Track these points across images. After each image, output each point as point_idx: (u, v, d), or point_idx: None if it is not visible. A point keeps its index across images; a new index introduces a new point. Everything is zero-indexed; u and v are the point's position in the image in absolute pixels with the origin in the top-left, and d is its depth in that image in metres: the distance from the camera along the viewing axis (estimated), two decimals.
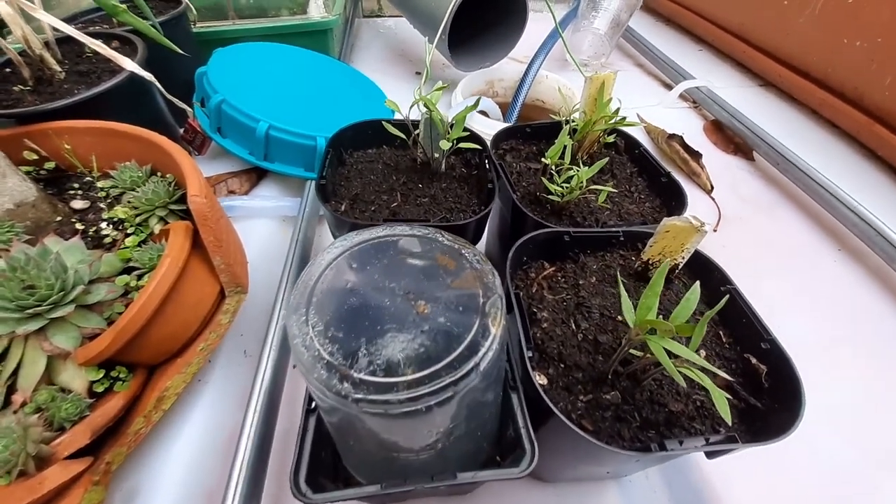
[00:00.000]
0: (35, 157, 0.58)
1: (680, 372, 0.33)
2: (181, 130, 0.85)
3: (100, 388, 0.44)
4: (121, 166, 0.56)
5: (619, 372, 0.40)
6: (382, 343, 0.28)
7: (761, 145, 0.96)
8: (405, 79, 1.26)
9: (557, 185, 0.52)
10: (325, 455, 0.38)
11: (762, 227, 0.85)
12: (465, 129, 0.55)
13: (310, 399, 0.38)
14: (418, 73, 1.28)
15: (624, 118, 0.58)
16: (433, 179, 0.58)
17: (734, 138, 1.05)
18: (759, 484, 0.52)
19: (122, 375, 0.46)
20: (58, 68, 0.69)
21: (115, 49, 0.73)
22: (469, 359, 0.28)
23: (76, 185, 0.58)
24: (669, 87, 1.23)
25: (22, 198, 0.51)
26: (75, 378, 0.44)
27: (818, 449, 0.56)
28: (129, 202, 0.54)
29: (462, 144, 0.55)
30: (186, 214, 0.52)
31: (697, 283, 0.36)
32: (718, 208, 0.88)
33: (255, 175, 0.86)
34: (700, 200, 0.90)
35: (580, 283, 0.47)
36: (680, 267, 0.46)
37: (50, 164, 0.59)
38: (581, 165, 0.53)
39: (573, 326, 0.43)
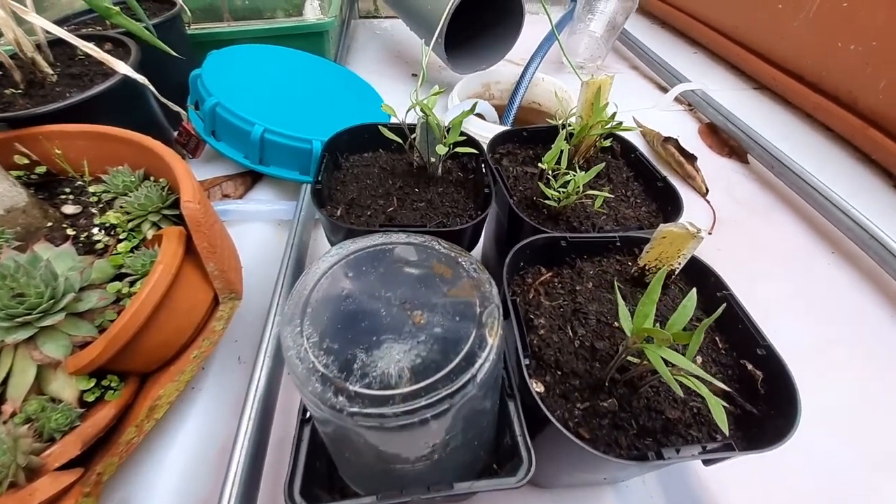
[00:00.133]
0: (26, 161, 0.57)
1: (676, 380, 0.33)
2: (175, 134, 0.84)
3: (91, 398, 0.44)
4: (113, 171, 0.55)
5: (617, 379, 0.39)
6: (378, 354, 0.28)
7: (756, 148, 0.97)
8: (401, 81, 1.26)
9: (554, 189, 0.52)
10: (320, 465, 0.38)
11: (757, 230, 0.86)
12: (462, 134, 0.55)
13: (305, 408, 0.37)
14: (415, 75, 1.28)
15: (620, 123, 0.58)
16: (430, 184, 0.58)
17: (729, 141, 1.05)
18: (756, 488, 0.52)
19: (113, 384, 0.45)
20: (50, 71, 0.68)
21: (108, 52, 0.73)
22: (466, 370, 0.27)
23: (67, 190, 0.57)
24: (665, 90, 1.23)
25: (12, 203, 0.50)
26: (66, 387, 0.43)
27: (814, 452, 0.56)
28: (121, 207, 0.54)
29: (459, 149, 0.55)
30: (180, 219, 0.52)
31: (694, 290, 0.36)
32: (714, 211, 0.89)
33: (250, 179, 0.85)
34: (695, 203, 0.90)
35: (577, 288, 0.47)
36: (676, 272, 0.46)
37: (41, 169, 0.58)
38: (577, 170, 0.53)
39: (570, 333, 0.43)
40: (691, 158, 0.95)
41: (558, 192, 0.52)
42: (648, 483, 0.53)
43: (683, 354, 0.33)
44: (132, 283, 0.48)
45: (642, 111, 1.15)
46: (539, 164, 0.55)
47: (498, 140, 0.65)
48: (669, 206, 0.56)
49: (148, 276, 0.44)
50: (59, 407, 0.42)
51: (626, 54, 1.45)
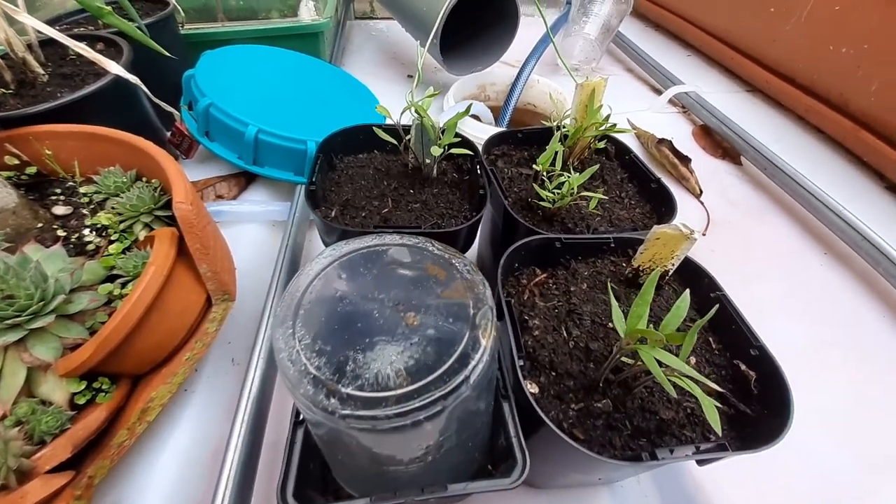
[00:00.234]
0: (16, 162, 0.56)
1: (670, 380, 0.33)
2: (168, 134, 0.84)
3: (81, 400, 0.43)
4: (104, 171, 0.55)
5: (611, 380, 0.39)
6: (371, 356, 0.28)
7: (749, 150, 0.98)
8: (397, 82, 1.25)
9: (549, 191, 0.52)
10: (313, 467, 0.38)
11: (750, 231, 0.86)
12: (457, 135, 0.55)
13: (298, 410, 0.37)
14: (410, 77, 1.28)
15: (614, 125, 0.58)
16: (424, 185, 0.58)
17: (722, 143, 1.06)
18: (751, 489, 0.53)
19: (104, 387, 0.45)
20: (41, 71, 0.68)
21: (100, 51, 0.72)
22: (459, 371, 0.27)
23: (58, 191, 0.57)
24: (659, 92, 1.24)
25: (2, 204, 0.50)
26: (56, 390, 0.43)
27: (808, 452, 0.56)
28: (113, 208, 0.53)
29: (454, 150, 0.55)
30: (172, 220, 0.51)
31: (687, 291, 0.36)
32: (707, 212, 0.89)
33: (244, 179, 0.85)
34: (689, 204, 0.91)
35: (571, 289, 0.47)
36: (670, 273, 0.46)
37: (31, 169, 0.57)
38: (572, 171, 0.53)
39: (565, 334, 0.43)
40: (685, 160, 0.96)
41: (553, 193, 0.52)
42: (643, 483, 0.53)
43: (677, 355, 0.33)
44: (124, 285, 0.47)
45: (637, 113, 1.15)
46: (534, 166, 0.55)
47: (493, 141, 0.65)
48: (663, 208, 0.56)
49: (139, 277, 0.44)
50: (49, 409, 0.41)
51: (621, 57, 1.46)
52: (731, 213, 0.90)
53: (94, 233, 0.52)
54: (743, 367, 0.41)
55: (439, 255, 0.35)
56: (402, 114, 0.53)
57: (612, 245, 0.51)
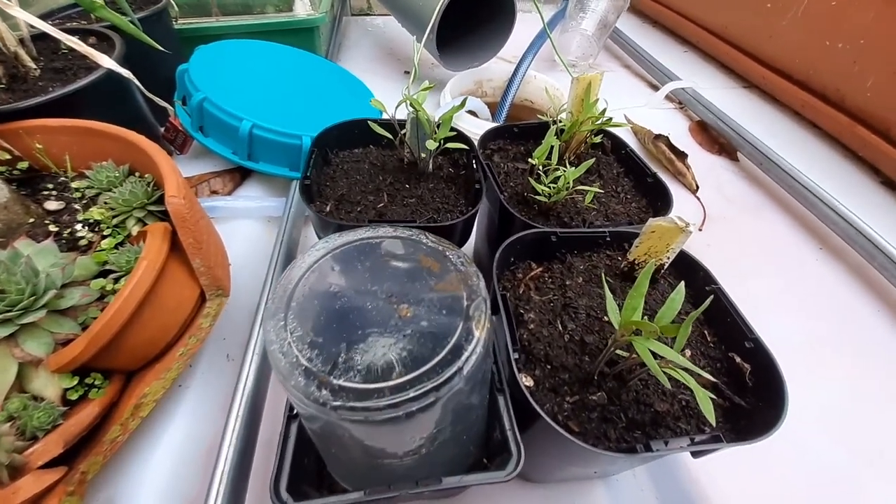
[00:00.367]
0: (7, 156, 0.56)
1: (665, 372, 0.33)
2: (162, 129, 0.83)
3: (74, 396, 0.43)
4: (97, 166, 0.54)
5: (606, 372, 0.39)
6: (363, 348, 0.27)
7: (745, 146, 0.98)
8: (394, 78, 1.25)
9: (545, 185, 0.52)
10: (308, 462, 0.38)
11: (746, 227, 0.87)
12: (453, 129, 0.55)
13: (291, 405, 0.37)
14: (407, 73, 1.27)
15: (610, 119, 0.58)
16: (420, 180, 0.57)
17: (719, 139, 1.06)
18: (746, 481, 0.53)
19: (97, 382, 0.44)
20: (32, 65, 0.67)
21: (93, 45, 0.71)
22: (452, 363, 0.27)
23: (50, 186, 0.56)
24: (656, 88, 1.24)
25: None
26: (48, 385, 0.42)
27: (802, 445, 0.56)
28: (105, 203, 0.53)
29: (449, 144, 0.55)
30: (166, 216, 0.51)
31: (682, 283, 0.36)
32: (704, 208, 0.89)
33: (239, 175, 0.84)
34: (686, 200, 0.91)
35: (567, 283, 0.47)
36: (665, 267, 0.46)
37: (23, 164, 0.57)
38: (568, 166, 0.53)
39: (560, 327, 0.43)
40: (682, 156, 0.96)
41: (549, 187, 0.52)
42: (639, 476, 0.53)
43: (671, 347, 0.33)
44: (116, 280, 0.47)
45: (634, 109, 1.15)
46: (530, 160, 0.55)
47: (489, 136, 0.65)
48: (659, 202, 0.56)
49: (132, 272, 0.43)
50: (41, 405, 0.41)
51: (618, 52, 1.46)
52: (727, 208, 0.90)
53: (86, 228, 0.52)
54: (738, 359, 0.41)
55: (433, 247, 0.35)
56: (396, 108, 0.53)
57: (608, 239, 0.51)
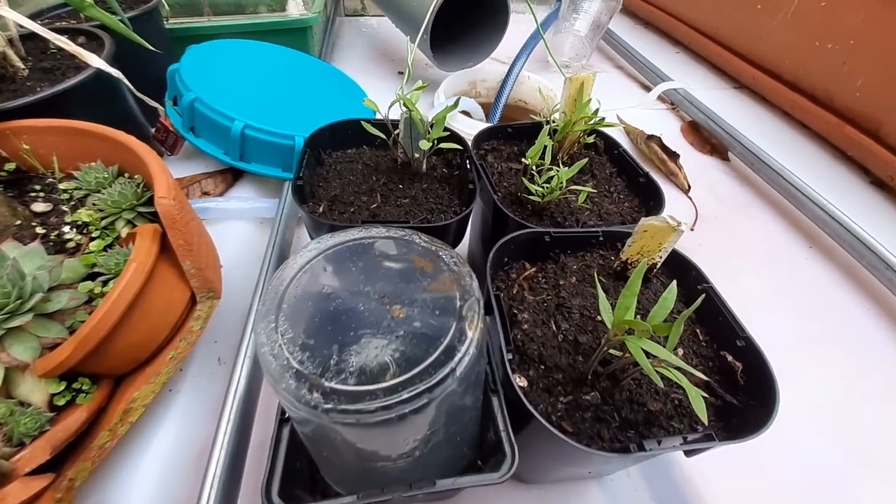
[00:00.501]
0: None
1: (657, 371, 0.33)
2: (153, 130, 0.82)
3: (61, 401, 0.42)
4: (85, 167, 0.54)
5: (599, 372, 0.39)
6: (356, 349, 0.27)
7: (736, 146, 0.98)
8: (388, 78, 1.25)
9: (538, 185, 0.52)
10: (300, 466, 0.37)
11: (738, 226, 0.87)
12: (446, 129, 0.55)
13: (283, 408, 0.36)
14: (401, 73, 1.27)
15: (603, 119, 0.58)
16: (414, 180, 0.57)
17: (710, 139, 1.07)
18: (740, 480, 0.53)
19: (85, 387, 0.44)
20: (21, 65, 0.66)
21: (82, 45, 0.70)
22: (445, 364, 0.27)
23: (37, 187, 0.55)
24: (648, 89, 1.25)
25: None
26: (35, 391, 0.41)
27: (794, 443, 0.57)
28: (94, 204, 0.52)
29: (443, 145, 0.55)
30: (156, 217, 0.50)
31: (674, 282, 0.36)
32: (696, 208, 0.90)
33: (231, 176, 0.84)
34: (678, 200, 0.92)
35: (560, 283, 0.47)
36: (658, 266, 0.46)
37: (10, 166, 0.56)
38: (561, 166, 0.53)
39: (553, 327, 0.43)
40: (674, 156, 0.96)
41: (542, 187, 0.52)
42: (633, 476, 0.53)
43: (664, 346, 0.33)
44: (105, 283, 0.46)
45: (626, 109, 1.16)
46: (523, 160, 0.55)
47: (482, 136, 0.65)
48: (652, 202, 0.56)
49: (120, 275, 0.43)
50: (28, 411, 0.40)
51: (611, 54, 1.46)
52: (718, 208, 0.91)
53: (74, 230, 0.51)
54: (729, 358, 0.41)
55: (426, 247, 0.34)
56: (390, 108, 0.53)
57: (601, 239, 0.51)
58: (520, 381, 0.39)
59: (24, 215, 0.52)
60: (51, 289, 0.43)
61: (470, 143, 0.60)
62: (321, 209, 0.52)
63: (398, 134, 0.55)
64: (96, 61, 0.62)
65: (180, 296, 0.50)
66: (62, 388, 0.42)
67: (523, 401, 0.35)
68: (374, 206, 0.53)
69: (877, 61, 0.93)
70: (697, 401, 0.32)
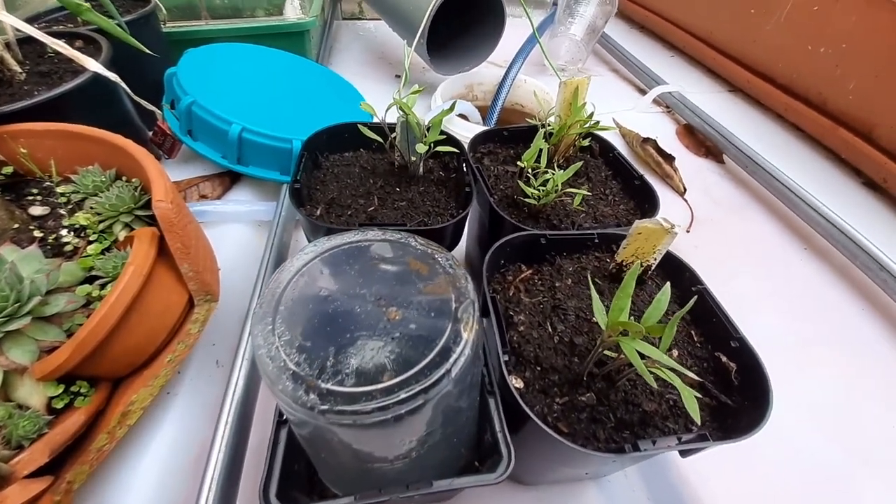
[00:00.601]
0: None
1: (651, 372, 0.33)
2: (150, 133, 0.82)
3: (59, 404, 0.42)
4: (82, 170, 0.54)
5: (595, 373, 0.40)
6: (352, 351, 0.28)
7: (730, 149, 0.99)
8: (385, 82, 1.25)
9: (534, 188, 0.53)
10: (298, 468, 0.37)
11: (733, 228, 0.88)
12: (443, 133, 0.55)
13: (281, 410, 0.37)
14: (398, 77, 1.28)
15: (598, 122, 0.59)
16: (411, 183, 0.58)
17: (705, 142, 1.08)
18: (737, 480, 0.53)
19: (83, 390, 0.44)
20: (18, 69, 0.66)
21: (79, 49, 0.71)
22: (440, 365, 0.27)
23: (35, 191, 0.55)
24: (643, 92, 1.26)
25: None
26: (33, 394, 0.42)
27: (789, 443, 0.57)
28: (91, 208, 0.52)
29: (439, 148, 0.55)
30: (153, 221, 0.51)
31: (668, 284, 0.37)
32: (691, 210, 0.90)
33: (229, 179, 0.84)
34: (674, 202, 0.92)
35: (556, 285, 0.47)
36: (653, 268, 0.47)
37: (7, 169, 0.56)
38: (557, 169, 0.53)
39: (549, 329, 0.43)
40: (669, 159, 0.97)
41: (538, 190, 0.53)
42: (630, 477, 0.53)
43: (658, 347, 0.34)
44: (103, 286, 0.46)
45: (622, 113, 1.17)
46: (519, 163, 0.55)
47: (479, 139, 0.66)
48: (646, 204, 0.57)
49: (118, 278, 0.43)
50: (26, 414, 0.40)
51: (606, 57, 1.47)
52: (714, 210, 0.91)
53: (72, 233, 0.51)
54: (724, 358, 0.42)
55: (422, 250, 0.35)
56: (387, 111, 0.53)
57: (597, 241, 0.51)
58: (516, 383, 0.39)
59: (21, 219, 0.52)
60: (49, 292, 0.43)
61: (466, 147, 0.61)
62: (318, 212, 0.52)
63: (395, 137, 0.56)
64: (93, 65, 0.62)
65: (178, 299, 0.50)
66: (60, 391, 0.42)
67: (519, 402, 0.35)
68: (371, 209, 0.53)
69: (869, 65, 0.94)
70: (690, 401, 0.32)
